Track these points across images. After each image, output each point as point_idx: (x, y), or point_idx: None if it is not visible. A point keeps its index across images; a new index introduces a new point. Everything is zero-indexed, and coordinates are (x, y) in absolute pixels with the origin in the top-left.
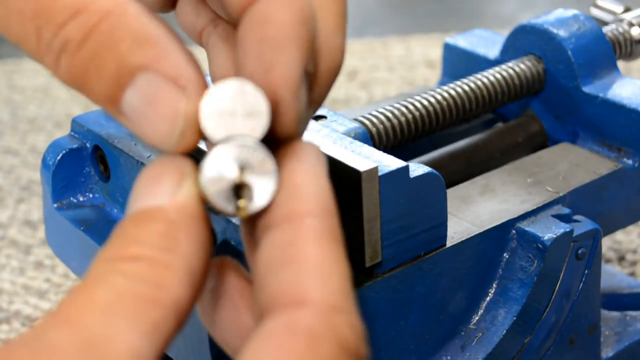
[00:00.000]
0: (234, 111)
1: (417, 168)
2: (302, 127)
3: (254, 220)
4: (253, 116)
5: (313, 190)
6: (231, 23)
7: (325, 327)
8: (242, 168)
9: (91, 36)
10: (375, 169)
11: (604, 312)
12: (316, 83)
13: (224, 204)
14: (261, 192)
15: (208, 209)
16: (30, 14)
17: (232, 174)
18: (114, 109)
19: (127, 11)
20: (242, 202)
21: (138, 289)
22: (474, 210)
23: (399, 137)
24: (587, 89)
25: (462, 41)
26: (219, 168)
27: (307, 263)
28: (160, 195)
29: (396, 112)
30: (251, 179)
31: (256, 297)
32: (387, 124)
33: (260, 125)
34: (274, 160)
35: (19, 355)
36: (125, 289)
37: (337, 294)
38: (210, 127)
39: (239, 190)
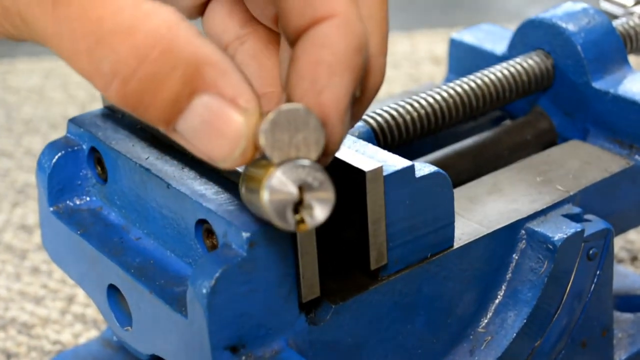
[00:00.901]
0: (292, 134)
1: (423, 167)
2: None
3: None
4: (309, 139)
5: None
6: (269, 38)
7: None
8: (301, 187)
9: (145, 63)
10: (379, 169)
11: (617, 314)
12: (360, 101)
13: (284, 222)
14: (320, 208)
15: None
16: (81, 32)
17: (292, 194)
18: (169, 130)
19: (180, 33)
20: (300, 219)
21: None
22: (482, 211)
23: (404, 136)
24: (597, 84)
25: (468, 36)
26: (280, 188)
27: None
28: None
29: (401, 110)
30: (309, 197)
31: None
32: (392, 122)
33: (316, 148)
34: (330, 179)
35: None
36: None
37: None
38: (271, 148)
39: (298, 207)
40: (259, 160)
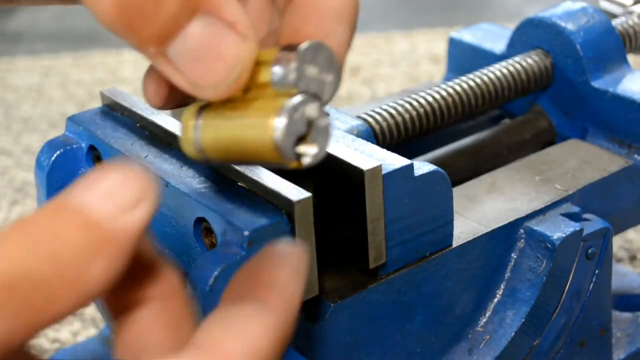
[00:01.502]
0: (316, 70)
1: (422, 166)
2: None
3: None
4: (328, 80)
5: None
6: None
7: None
8: (310, 124)
9: None
10: (378, 168)
11: (615, 314)
12: None
13: (285, 152)
14: (319, 146)
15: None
16: None
17: (303, 126)
18: (157, 54)
19: None
20: (300, 154)
21: (30, 291)
22: (481, 209)
23: (403, 135)
24: (596, 83)
25: (467, 35)
26: (296, 117)
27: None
28: (109, 208)
29: (400, 109)
30: (312, 135)
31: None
32: (391, 121)
33: (332, 89)
34: (331, 123)
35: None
36: (16, 283)
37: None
38: (298, 75)
39: (300, 142)
40: (249, 93)
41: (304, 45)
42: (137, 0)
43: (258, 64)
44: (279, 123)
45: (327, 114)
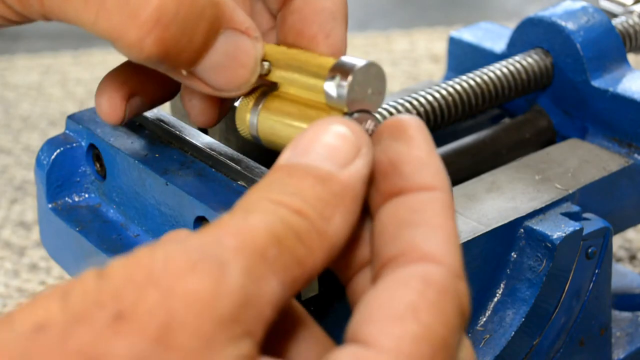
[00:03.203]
0: (364, 88)
1: None
2: None
3: (384, 180)
4: (375, 95)
5: (437, 167)
6: None
7: (453, 287)
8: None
9: (182, 6)
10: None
11: (615, 313)
12: None
13: None
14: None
15: None
16: None
17: None
18: (188, 74)
19: None
20: None
21: (293, 244)
22: (481, 209)
23: None
24: (596, 83)
25: (467, 35)
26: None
27: (437, 228)
28: (334, 161)
29: (400, 108)
30: None
31: (377, 246)
32: None
33: (380, 98)
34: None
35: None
36: (282, 237)
37: (460, 263)
38: (350, 102)
39: None
40: (299, 92)
41: (357, 66)
42: (175, 35)
43: (300, 68)
44: None
45: (377, 124)
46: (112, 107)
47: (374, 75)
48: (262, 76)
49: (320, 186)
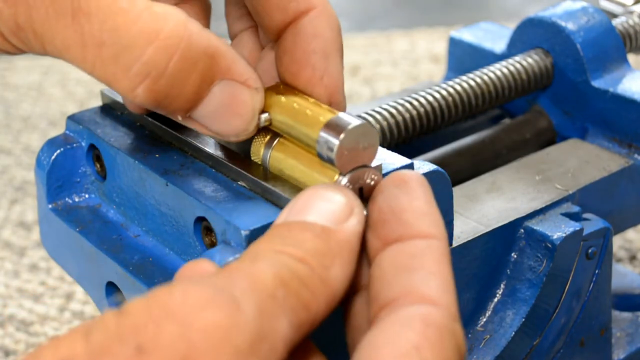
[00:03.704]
0: (356, 146)
1: (423, 166)
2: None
3: (383, 227)
4: (368, 149)
5: (436, 218)
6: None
7: (450, 327)
8: (361, 188)
9: (172, 61)
10: (379, 167)
11: (615, 313)
12: None
13: None
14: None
15: None
16: (105, 40)
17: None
18: (184, 117)
19: (193, 31)
20: None
21: (298, 288)
22: (481, 209)
23: (403, 134)
24: (596, 83)
25: (467, 35)
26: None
27: (435, 274)
28: (329, 220)
29: (400, 108)
30: (368, 194)
31: (376, 289)
32: (391, 120)
33: (373, 151)
34: (381, 176)
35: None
36: (288, 281)
37: (455, 306)
38: (341, 164)
39: None
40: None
41: (345, 130)
42: (164, 87)
43: (296, 125)
44: None
45: (375, 174)
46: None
47: (363, 132)
48: (264, 127)
49: (318, 239)
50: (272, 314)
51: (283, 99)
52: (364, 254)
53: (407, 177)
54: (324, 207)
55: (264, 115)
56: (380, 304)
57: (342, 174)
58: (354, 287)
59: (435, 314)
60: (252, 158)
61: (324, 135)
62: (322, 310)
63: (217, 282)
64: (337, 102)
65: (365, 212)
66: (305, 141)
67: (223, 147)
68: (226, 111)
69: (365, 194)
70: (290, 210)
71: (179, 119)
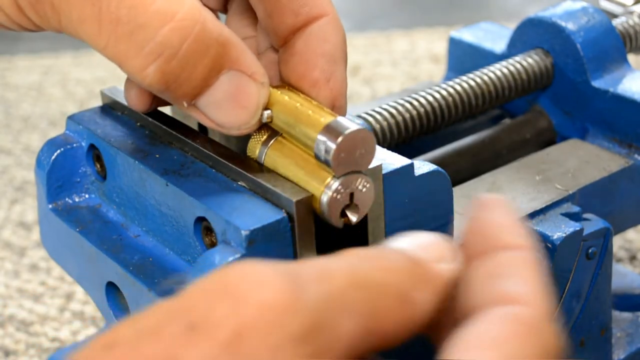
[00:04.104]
0: (352, 151)
1: (422, 166)
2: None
3: (467, 246)
4: (364, 155)
5: (522, 231)
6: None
7: (540, 325)
8: (352, 194)
9: (186, 43)
10: (379, 167)
11: (615, 313)
12: None
13: (335, 221)
14: (361, 209)
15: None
16: (122, 18)
17: (345, 201)
18: (188, 105)
19: (207, 18)
20: (346, 219)
21: (372, 296)
22: None
23: (403, 134)
24: (596, 83)
25: (467, 35)
26: (337, 197)
27: (526, 279)
28: (429, 255)
29: (400, 108)
30: (356, 199)
31: (465, 298)
32: (391, 120)
33: (370, 158)
34: (373, 185)
35: None
36: (363, 284)
37: (547, 308)
38: (337, 167)
39: (346, 208)
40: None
41: (343, 134)
42: (175, 69)
43: (297, 124)
44: (324, 198)
45: (368, 182)
46: (139, 98)
47: (361, 138)
48: (265, 123)
49: (414, 265)
50: (336, 309)
51: (286, 98)
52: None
53: (487, 199)
54: (426, 242)
55: (267, 112)
56: (470, 309)
57: (335, 176)
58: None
59: (526, 312)
60: (248, 154)
61: (322, 136)
62: (395, 329)
63: (283, 266)
64: (339, 106)
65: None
66: (303, 141)
67: (223, 147)
68: (231, 102)
69: (355, 201)
70: (394, 240)
71: (184, 105)
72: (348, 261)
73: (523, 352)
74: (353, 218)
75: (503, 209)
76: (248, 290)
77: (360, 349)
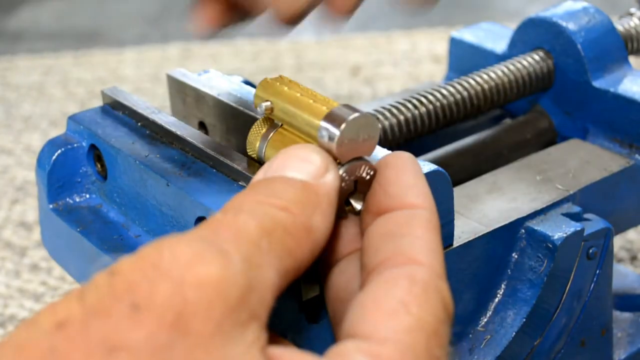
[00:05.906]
0: (356, 137)
1: (423, 165)
2: None
3: (373, 201)
4: (368, 140)
5: (424, 189)
6: None
7: (435, 283)
8: (356, 182)
9: None
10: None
11: (616, 314)
12: None
13: (341, 209)
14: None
15: None
16: None
17: (350, 187)
18: None
19: None
20: (351, 208)
21: (282, 236)
22: (482, 209)
23: (404, 134)
24: (597, 83)
25: (468, 35)
26: (343, 185)
27: (421, 239)
28: (308, 175)
29: (401, 108)
30: (360, 187)
31: (366, 257)
32: (392, 120)
33: (372, 147)
34: (376, 172)
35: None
36: (272, 230)
37: (441, 266)
38: (340, 153)
39: (350, 196)
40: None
41: (347, 120)
42: None
43: (297, 113)
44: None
45: (372, 169)
46: (211, 17)
47: (364, 124)
48: (264, 115)
49: (299, 190)
50: (259, 264)
51: (286, 88)
52: (340, 222)
53: (395, 155)
54: (302, 164)
55: (266, 104)
56: (369, 270)
57: (340, 164)
58: (332, 259)
59: (421, 272)
60: (248, 150)
61: (325, 123)
62: (306, 258)
63: (204, 235)
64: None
65: (341, 173)
66: (306, 130)
67: (224, 146)
68: None
69: (359, 188)
70: (269, 168)
71: None
72: (251, 209)
73: (428, 310)
74: (358, 206)
75: (407, 165)
76: (184, 268)
77: (284, 287)
